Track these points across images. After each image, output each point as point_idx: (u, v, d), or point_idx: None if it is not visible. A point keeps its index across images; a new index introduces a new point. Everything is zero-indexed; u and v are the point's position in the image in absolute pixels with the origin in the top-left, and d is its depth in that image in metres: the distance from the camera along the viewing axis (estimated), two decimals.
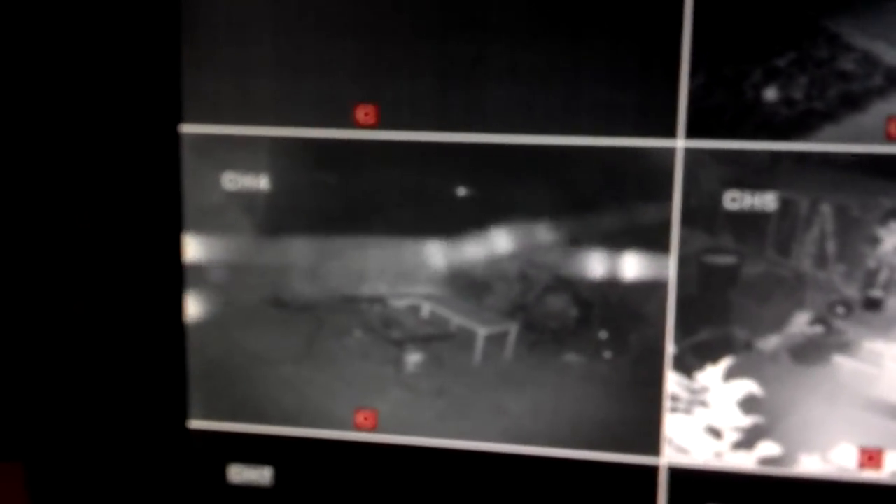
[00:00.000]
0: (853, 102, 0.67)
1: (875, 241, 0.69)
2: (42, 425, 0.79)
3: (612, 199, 0.71)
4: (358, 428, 0.77)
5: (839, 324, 0.70)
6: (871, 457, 0.71)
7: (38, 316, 0.77)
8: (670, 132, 0.69)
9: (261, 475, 0.79)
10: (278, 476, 0.79)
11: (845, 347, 0.70)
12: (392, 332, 0.76)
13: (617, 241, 0.72)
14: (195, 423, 0.79)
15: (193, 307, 0.77)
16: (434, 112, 0.72)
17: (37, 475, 0.79)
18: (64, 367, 0.78)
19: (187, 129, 0.75)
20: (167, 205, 0.75)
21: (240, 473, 0.79)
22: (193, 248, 0.77)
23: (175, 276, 0.77)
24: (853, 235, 0.69)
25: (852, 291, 0.70)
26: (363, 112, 0.73)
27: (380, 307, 0.75)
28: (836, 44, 0.66)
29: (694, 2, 0.67)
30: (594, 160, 0.71)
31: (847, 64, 0.66)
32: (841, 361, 0.71)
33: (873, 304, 0.69)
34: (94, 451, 0.79)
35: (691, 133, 0.69)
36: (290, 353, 0.77)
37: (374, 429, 0.77)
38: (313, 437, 0.78)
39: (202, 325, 0.78)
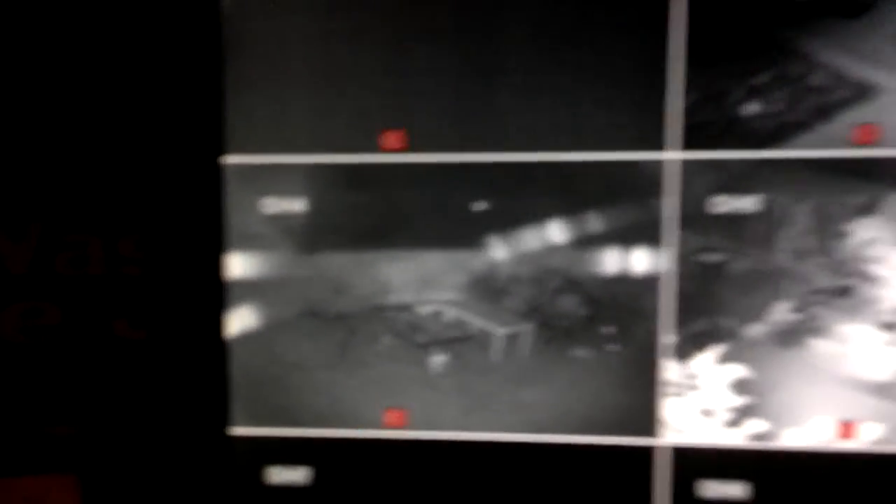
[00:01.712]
0: (823, 113, 0.70)
1: (844, 235, 0.72)
2: (95, 438, 0.79)
3: (613, 206, 0.73)
4: (388, 426, 0.78)
5: (815, 310, 0.73)
6: (847, 428, 0.74)
7: (92, 334, 0.78)
8: (663, 145, 0.72)
9: (300, 475, 0.80)
10: (317, 475, 0.80)
11: (821, 331, 0.73)
12: (418, 336, 0.77)
13: (619, 245, 0.74)
14: (238, 430, 0.80)
15: (235, 322, 0.78)
16: (455, 135, 0.74)
17: (90, 485, 0.79)
18: (117, 383, 0.79)
19: (230, 160, 0.76)
20: (211, 229, 0.77)
21: (280, 474, 0.80)
22: (236, 268, 0.78)
23: (217, 295, 0.78)
24: (826, 231, 0.72)
25: (826, 281, 0.73)
26: (392, 138, 0.75)
27: (406, 314, 0.77)
28: (807, 62, 0.70)
29: (687, 29, 0.71)
30: (597, 173, 0.73)
31: (817, 79, 0.70)
32: (818, 344, 0.74)
33: (844, 292, 0.73)
34: (143, 462, 0.79)
35: (683, 145, 0.72)
36: (325, 360, 0.78)
37: (404, 426, 0.78)
38: (348, 437, 0.79)
39: (243, 339, 0.78)
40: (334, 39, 0.74)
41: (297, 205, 0.77)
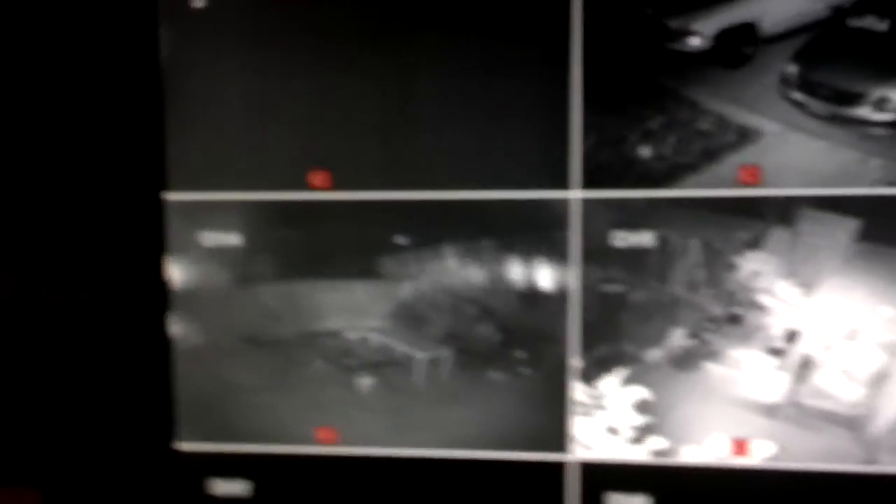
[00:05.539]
0: (710, 155, 0.69)
1: (733, 267, 0.71)
2: (56, 455, 0.78)
3: (523, 240, 0.73)
4: (321, 443, 0.77)
5: (708, 336, 0.72)
6: (741, 445, 0.73)
7: (50, 373, 0.78)
8: (567, 185, 0.71)
9: (241, 487, 0.79)
10: (256, 488, 0.79)
11: (714, 356, 0.72)
12: (347, 360, 0.76)
13: (530, 276, 0.73)
14: (183, 445, 0.79)
15: (180, 348, 0.78)
16: (376, 174, 0.73)
17: (52, 499, 0.78)
18: (79, 409, 0.78)
19: (171, 196, 0.76)
20: (155, 260, 0.76)
21: (222, 487, 0.79)
22: (178, 298, 0.77)
23: (163, 325, 0.77)
24: (716, 264, 0.71)
25: (718, 310, 0.72)
26: (318, 177, 0.74)
27: (336, 340, 0.76)
28: (694, 109, 0.69)
29: (583, 81, 0.70)
30: (507, 210, 0.72)
31: (704, 124, 0.69)
32: (711, 367, 0.72)
33: (735, 320, 0.72)
34: (100, 476, 0.78)
35: (584, 185, 0.71)
36: (263, 382, 0.77)
37: (335, 443, 0.77)
38: (285, 453, 0.78)
39: (188, 364, 0.78)
40: (264, 85, 0.74)
41: (233, 238, 0.76)
